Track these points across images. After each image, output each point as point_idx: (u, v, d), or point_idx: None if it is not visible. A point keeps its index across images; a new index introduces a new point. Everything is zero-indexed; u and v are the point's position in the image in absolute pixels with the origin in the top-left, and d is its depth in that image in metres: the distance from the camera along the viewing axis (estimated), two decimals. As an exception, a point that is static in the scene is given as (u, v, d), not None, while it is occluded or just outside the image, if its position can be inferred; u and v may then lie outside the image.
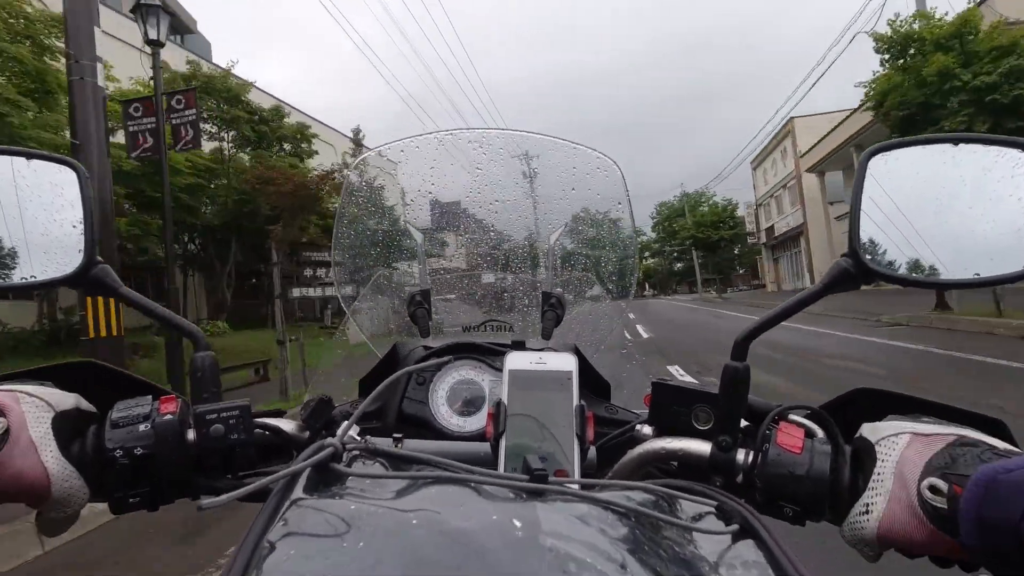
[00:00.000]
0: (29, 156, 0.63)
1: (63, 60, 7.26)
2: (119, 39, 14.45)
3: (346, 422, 0.55)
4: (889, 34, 13.90)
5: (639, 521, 0.45)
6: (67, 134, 7.23)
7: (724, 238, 55.32)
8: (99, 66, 6.25)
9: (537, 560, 0.36)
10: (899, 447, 0.51)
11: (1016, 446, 0.50)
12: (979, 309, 11.06)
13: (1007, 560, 0.42)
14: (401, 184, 1.00)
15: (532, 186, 0.99)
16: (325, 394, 0.71)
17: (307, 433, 0.70)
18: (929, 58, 12.89)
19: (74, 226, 0.63)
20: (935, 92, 13.05)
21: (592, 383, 0.82)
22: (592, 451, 0.70)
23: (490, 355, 0.82)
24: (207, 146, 17.05)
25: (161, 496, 0.61)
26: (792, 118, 36.36)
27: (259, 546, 0.39)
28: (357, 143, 24.27)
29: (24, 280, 0.62)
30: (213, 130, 17.20)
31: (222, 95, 16.65)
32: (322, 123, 26.86)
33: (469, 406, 0.80)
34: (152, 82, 9.00)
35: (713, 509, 0.51)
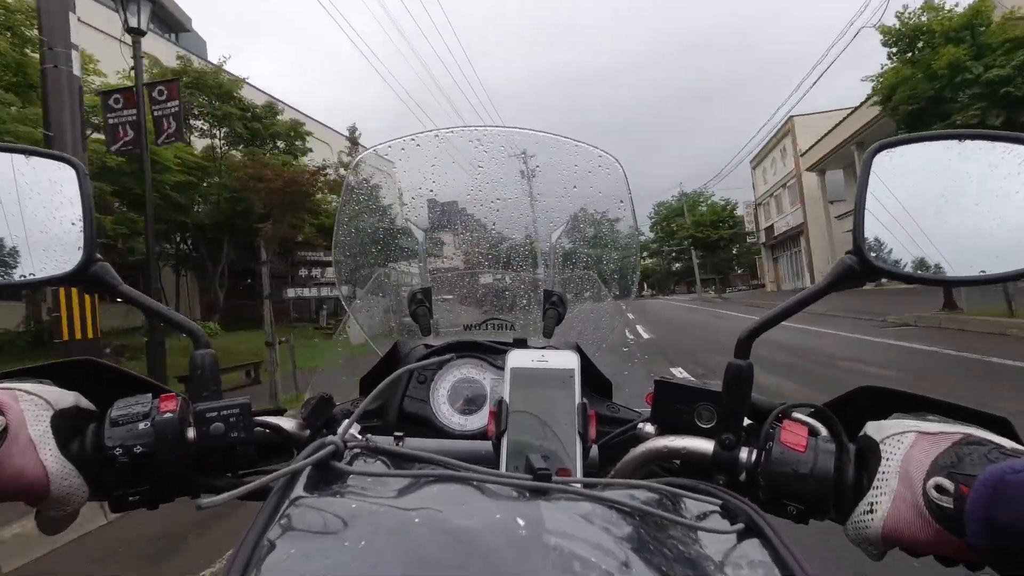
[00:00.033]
0: (28, 153, 0.63)
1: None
2: (106, 33, 14.37)
3: (347, 420, 0.55)
4: (897, 27, 13.73)
5: (643, 520, 0.45)
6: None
7: (724, 237, 55.44)
8: (74, 53, 5.93)
9: (541, 559, 0.36)
10: (904, 446, 0.51)
11: (1023, 445, 0.50)
12: (990, 309, 10.78)
13: (1015, 561, 0.42)
14: (401, 182, 1.00)
15: (533, 184, 0.99)
16: (326, 392, 0.71)
17: (308, 432, 0.70)
18: (939, 51, 12.70)
19: (73, 223, 0.63)
20: (946, 85, 12.84)
21: (594, 382, 0.82)
22: (594, 450, 0.70)
23: (491, 353, 0.82)
24: (199, 144, 16.92)
25: (161, 494, 0.61)
26: (792, 116, 36.36)
27: (259, 544, 0.39)
28: (353, 141, 24.23)
29: (23, 278, 0.63)
30: (205, 127, 17.08)
31: (213, 91, 16.52)
32: (318, 121, 26.77)
33: (470, 405, 0.80)
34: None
35: (718, 508, 0.51)
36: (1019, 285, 10.29)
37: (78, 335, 5.92)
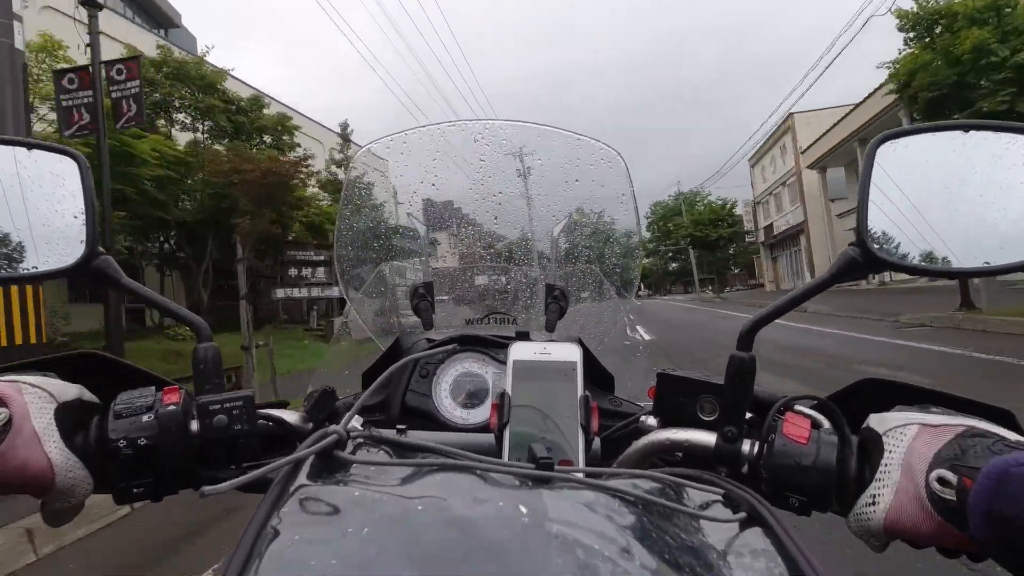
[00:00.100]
0: (30, 146, 0.64)
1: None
2: (79, 20, 14.31)
3: (350, 410, 0.55)
4: (915, 10, 13.15)
5: (645, 509, 0.46)
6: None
7: (723, 237, 55.59)
8: (17, 25, 5.53)
9: (544, 547, 0.37)
10: (907, 438, 0.51)
11: None
12: (1011, 308, 10.35)
13: (1017, 554, 0.43)
14: (402, 176, 1.01)
15: (535, 177, 0.99)
16: (328, 385, 0.72)
17: (310, 424, 0.71)
18: (961, 34, 12.00)
19: (75, 216, 0.63)
20: (969, 70, 12.07)
21: (596, 375, 0.83)
22: (596, 442, 0.71)
23: (494, 347, 0.83)
24: (182, 138, 16.49)
25: (164, 487, 0.61)
26: (792, 113, 36.34)
27: (263, 532, 0.39)
28: (345, 138, 24.13)
29: (26, 271, 0.64)
30: (187, 121, 16.69)
31: (196, 83, 16.09)
32: (309, 118, 26.62)
33: (473, 398, 0.81)
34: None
35: (720, 497, 0.52)
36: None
37: (18, 340, 5.39)
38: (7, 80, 5.51)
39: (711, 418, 0.64)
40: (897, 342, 9.95)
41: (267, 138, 18.75)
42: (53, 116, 10.54)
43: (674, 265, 70.56)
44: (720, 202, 58.34)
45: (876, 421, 0.55)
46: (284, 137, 19.08)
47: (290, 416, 0.71)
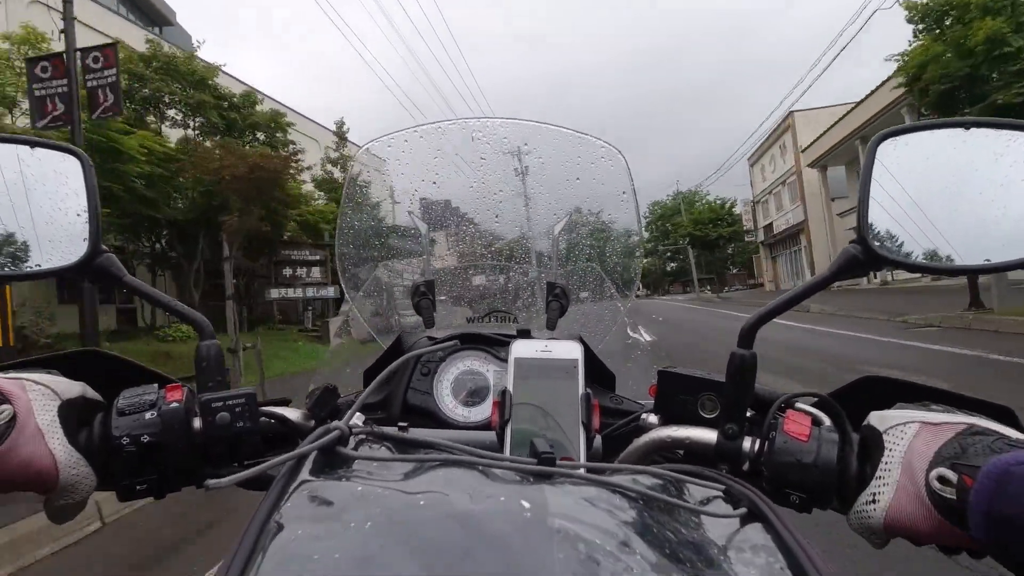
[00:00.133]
0: (33, 144, 0.64)
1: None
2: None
3: (352, 406, 0.56)
4: (925, 0, 12.76)
5: (646, 504, 0.47)
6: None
7: (722, 236, 55.70)
8: None
9: (545, 541, 0.37)
10: (908, 436, 0.51)
11: None
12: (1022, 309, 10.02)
13: (1018, 553, 0.43)
14: (404, 175, 1.01)
15: (535, 176, 1.00)
16: (330, 383, 0.73)
17: (312, 422, 0.72)
18: (974, 24, 11.53)
19: (78, 215, 0.64)
20: (982, 62, 11.66)
21: (597, 374, 0.83)
22: (598, 440, 0.72)
23: (495, 345, 0.84)
24: (173, 135, 16.31)
25: (167, 484, 0.62)
26: (792, 112, 36.37)
27: (266, 527, 0.40)
28: (341, 136, 24.07)
29: (30, 269, 0.64)
30: (178, 117, 16.49)
31: (186, 79, 15.91)
32: (305, 116, 26.53)
33: (474, 396, 0.82)
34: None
35: (721, 493, 0.53)
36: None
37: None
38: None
39: (712, 416, 0.65)
40: (907, 343, 9.73)
41: (260, 135, 18.52)
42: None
43: (672, 265, 70.91)
44: (719, 201, 58.47)
45: (877, 419, 0.56)
46: (278, 134, 18.85)
47: (292, 414, 0.72)
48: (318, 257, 18.43)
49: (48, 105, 7.66)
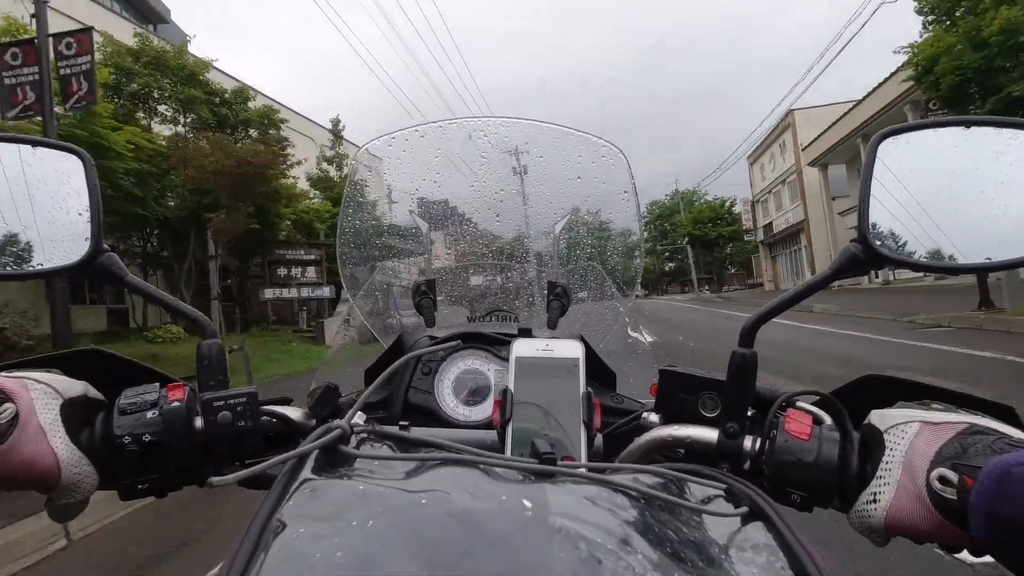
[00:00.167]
0: (35, 144, 0.65)
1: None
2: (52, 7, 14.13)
3: (354, 405, 0.57)
4: None
5: (648, 503, 0.47)
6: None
7: (722, 235, 55.82)
8: None
9: (547, 541, 0.38)
10: (908, 436, 0.52)
11: None
12: None
13: (1019, 554, 0.44)
14: (405, 174, 1.02)
15: (537, 175, 1.00)
16: (331, 382, 0.73)
17: (313, 421, 0.72)
18: (986, 16, 11.24)
19: (80, 214, 0.65)
20: (997, 53, 11.35)
21: (598, 373, 0.84)
22: (599, 439, 0.72)
23: (496, 344, 0.85)
24: (164, 132, 15.98)
25: (169, 483, 0.63)
26: (792, 110, 36.40)
27: (268, 526, 0.40)
28: (336, 134, 24.01)
29: (32, 268, 0.65)
30: (168, 113, 16.22)
31: (176, 73, 15.67)
32: (300, 115, 26.45)
33: (475, 396, 0.82)
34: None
35: (722, 492, 0.53)
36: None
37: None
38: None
39: (713, 414, 0.66)
40: (918, 344, 9.49)
41: (252, 132, 18.19)
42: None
43: (671, 265, 71.12)
44: (719, 200, 58.61)
45: (878, 418, 0.56)
46: (271, 131, 18.50)
47: (294, 413, 0.73)
48: (313, 257, 18.34)
49: (18, 94, 7.30)
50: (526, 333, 0.74)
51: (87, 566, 3.86)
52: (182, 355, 11.12)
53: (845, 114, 27.48)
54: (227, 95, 17.42)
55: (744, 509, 0.49)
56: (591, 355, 0.77)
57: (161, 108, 16.15)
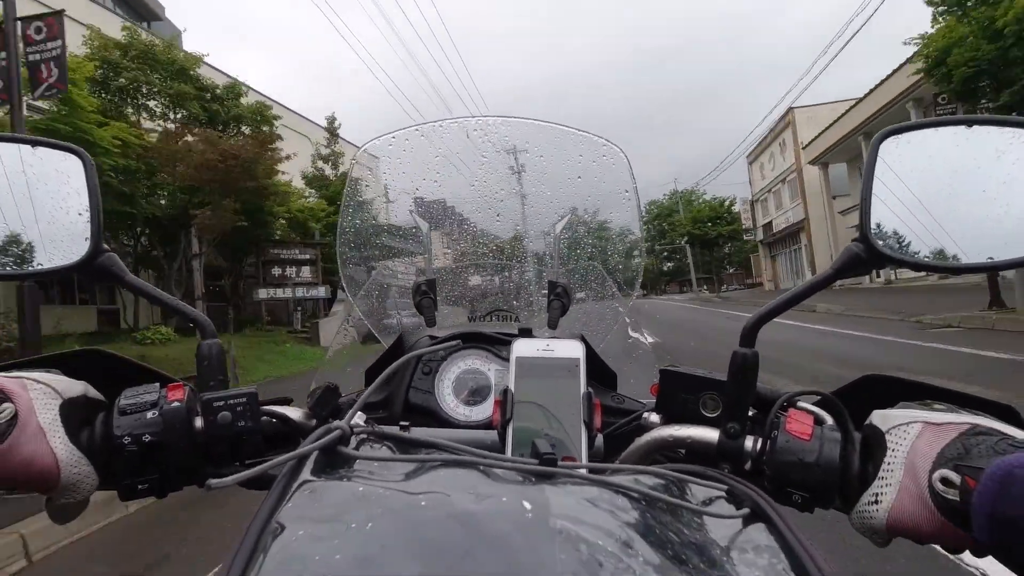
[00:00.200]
0: (35, 144, 0.66)
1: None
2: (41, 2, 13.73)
3: (354, 406, 0.57)
4: None
5: (649, 504, 0.48)
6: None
7: (722, 234, 55.90)
8: None
9: (547, 542, 0.38)
10: (910, 437, 0.52)
11: None
12: None
13: (1022, 555, 0.44)
14: (405, 174, 1.02)
15: (537, 174, 1.01)
16: (331, 382, 0.74)
17: (314, 421, 0.73)
18: (1002, 5, 11.04)
19: (80, 214, 0.66)
20: (1012, 44, 11.11)
21: (598, 373, 0.85)
22: (599, 439, 0.73)
23: (496, 344, 0.85)
24: (155, 129, 15.66)
25: (169, 483, 0.63)
26: (792, 108, 36.39)
27: (267, 528, 0.41)
28: (332, 132, 23.92)
29: (32, 268, 0.66)
30: (158, 109, 15.96)
31: (166, 68, 15.37)
32: (297, 113, 26.35)
33: (475, 396, 0.83)
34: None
35: (723, 493, 0.54)
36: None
37: None
38: None
39: (714, 415, 0.66)
40: (929, 344, 9.27)
41: (245, 128, 17.69)
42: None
43: (669, 264, 71.29)
44: (718, 200, 58.73)
45: (879, 418, 0.56)
46: (264, 127, 17.86)
47: (294, 413, 0.73)
48: (308, 256, 18.26)
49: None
50: (527, 333, 0.74)
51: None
52: (171, 357, 10.93)
53: (846, 112, 27.46)
54: (218, 91, 17.16)
55: (746, 510, 0.50)
56: (592, 355, 0.78)
57: (151, 104, 15.90)
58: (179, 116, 16.21)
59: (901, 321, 12.63)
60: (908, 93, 20.56)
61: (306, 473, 0.48)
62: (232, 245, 16.56)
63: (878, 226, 0.61)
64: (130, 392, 0.63)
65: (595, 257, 1.05)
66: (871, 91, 24.49)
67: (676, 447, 0.68)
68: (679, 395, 0.69)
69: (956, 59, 12.06)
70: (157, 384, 0.64)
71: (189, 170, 13.28)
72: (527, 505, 0.42)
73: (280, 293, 17.80)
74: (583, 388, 0.67)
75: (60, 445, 0.57)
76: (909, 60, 15.49)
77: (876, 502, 0.52)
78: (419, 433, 0.66)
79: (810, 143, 33.00)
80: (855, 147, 27.22)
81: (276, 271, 17.74)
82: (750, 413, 0.64)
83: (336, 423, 0.53)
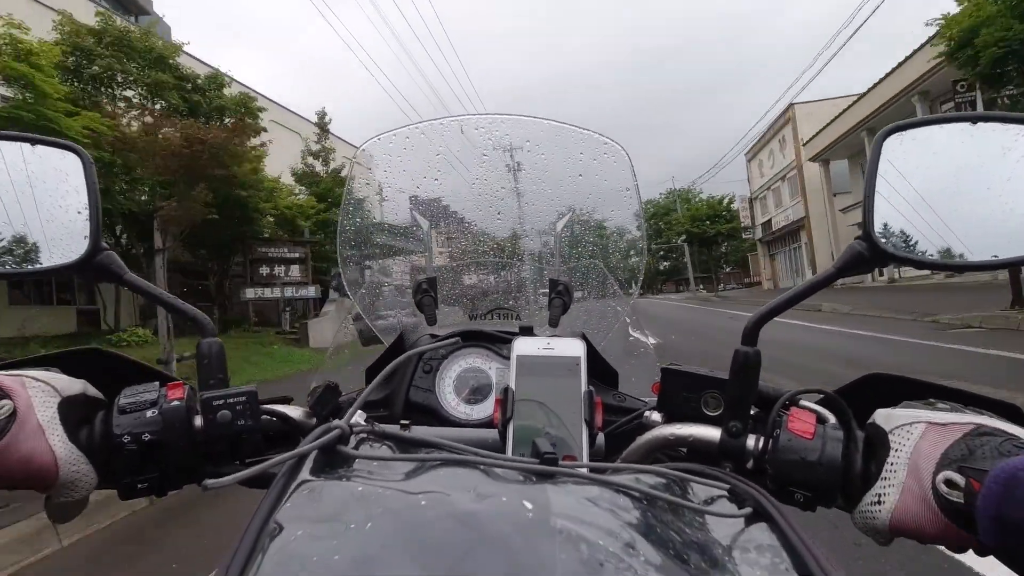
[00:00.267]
0: (34, 142, 0.67)
1: None
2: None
3: (353, 405, 0.58)
4: None
5: (650, 504, 0.48)
6: None
7: (721, 232, 56.00)
8: None
9: (548, 542, 0.39)
10: (914, 437, 0.53)
11: None
12: None
13: None
14: (406, 172, 1.03)
15: (538, 172, 1.02)
16: (332, 381, 0.74)
17: (314, 420, 0.74)
18: None
19: (79, 212, 0.67)
20: None
21: (600, 371, 0.86)
22: (601, 438, 0.74)
23: (497, 342, 0.87)
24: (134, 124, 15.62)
25: (168, 482, 0.64)
26: (792, 104, 36.36)
27: (266, 527, 0.41)
28: (322, 128, 23.73)
29: (31, 267, 0.67)
30: (135, 99, 15.25)
31: (143, 56, 14.88)
32: (287, 108, 26.16)
33: (476, 394, 0.84)
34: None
35: (725, 492, 0.55)
36: None
37: None
38: None
39: (716, 413, 0.68)
40: (950, 346, 8.77)
41: (228, 121, 16.80)
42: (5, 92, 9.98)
43: (665, 264, 71.45)
44: (717, 198, 58.88)
45: (882, 418, 0.57)
46: (247, 119, 17.02)
47: (294, 412, 0.75)
48: (297, 255, 18.08)
49: None
50: (527, 331, 0.75)
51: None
52: (145, 359, 10.60)
53: (849, 107, 27.38)
54: (199, 81, 16.73)
55: (748, 510, 0.51)
56: (593, 353, 0.79)
57: (128, 93, 15.35)
58: (158, 107, 15.61)
59: (914, 321, 12.28)
60: (914, 86, 20.44)
61: (305, 472, 0.49)
62: (215, 242, 16.29)
63: (881, 224, 0.61)
64: (130, 391, 0.64)
65: (596, 255, 1.06)
66: (875, 85, 24.40)
67: (678, 446, 0.69)
68: (681, 394, 0.70)
69: (985, 39, 11.50)
70: (157, 383, 0.65)
71: (156, 159, 12.65)
72: (528, 505, 0.43)
73: (268, 293, 17.63)
74: (584, 386, 0.68)
75: (59, 443, 0.58)
76: (929, 41, 14.72)
77: (879, 502, 0.53)
78: (419, 432, 0.67)
79: (811, 139, 32.95)
80: (857, 143, 27.17)
81: (264, 270, 17.55)
82: (752, 412, 0.65)
83: (336, 422, 0.54)
